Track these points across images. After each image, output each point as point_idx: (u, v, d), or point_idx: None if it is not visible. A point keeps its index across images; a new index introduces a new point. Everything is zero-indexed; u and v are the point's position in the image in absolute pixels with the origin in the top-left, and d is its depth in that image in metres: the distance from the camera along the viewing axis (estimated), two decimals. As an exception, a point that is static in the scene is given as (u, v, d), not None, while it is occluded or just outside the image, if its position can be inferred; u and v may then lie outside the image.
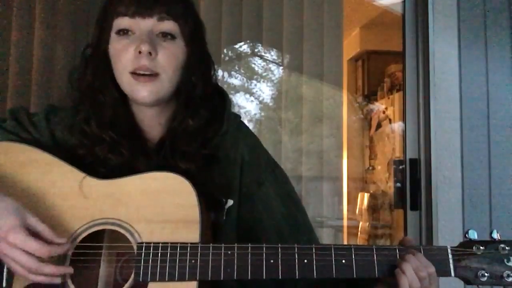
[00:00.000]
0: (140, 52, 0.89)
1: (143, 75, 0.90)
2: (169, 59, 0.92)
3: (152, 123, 1.00)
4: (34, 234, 0.82)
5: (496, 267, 0.84)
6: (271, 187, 1.03)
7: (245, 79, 2.43)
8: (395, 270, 0.83)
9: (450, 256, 0.85)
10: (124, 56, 0.91)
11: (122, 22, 0.92)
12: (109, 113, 0.96)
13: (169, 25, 0.92)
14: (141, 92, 0.91)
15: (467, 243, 0.86)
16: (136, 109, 0.99)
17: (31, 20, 1.87)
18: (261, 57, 2.39)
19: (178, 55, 0.94)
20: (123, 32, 0.92)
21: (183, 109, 0.97)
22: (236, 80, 2.39)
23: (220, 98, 1.05)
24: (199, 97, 0.98)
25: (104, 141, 0.94)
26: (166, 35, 0.92)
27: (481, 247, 0.85)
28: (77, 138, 0.97)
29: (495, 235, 0.86)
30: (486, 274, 0.83)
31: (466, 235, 0.87)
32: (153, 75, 0.91)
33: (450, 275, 0.85)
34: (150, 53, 0.89)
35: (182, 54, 0.94)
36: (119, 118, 0.97)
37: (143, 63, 0.89)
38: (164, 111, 0.99)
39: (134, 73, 0.91)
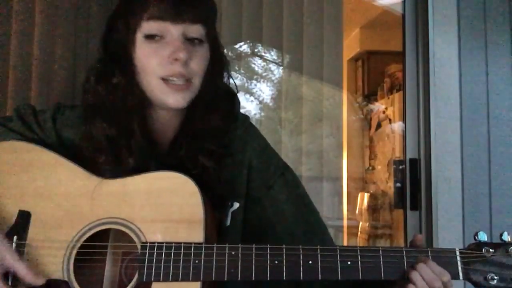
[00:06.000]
0: (176, 59, 0.88)
1: (177, 83, 0.90)
2: (200, 64, 0.92)
3: (166, 126, 0.99)
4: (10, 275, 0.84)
5: (506, 270, 0.82)
6: (280, 190, 1.03)
7: (245, 79, 2.43)
8: (407, 282, 0.82)
9: (458, 258, 0.83)
10: (154, 61, 0.89)
11: (151, 26, 0.89)
12: (125, 121, 0.93)
13: (198, 30, 0.91)
14: (174, 98, 0.90)
15: (477, 245, 0.84)
16: (150, 115, 0.98)
17: (31, 20, 1.86)
18: (261, 57, 2.39)
19: (207, 58, 0.94)
20: (152, 36, 0.90)
21: (205, 109, 0.97)
22: (236, 80, 2.38)
23: (229, 97, 1.05)
24: (219, 97, 0.99)
25: (118, 149, 0.93)
26: (195, 40, 0.91)
27: (490, 250, 0.83)
28: (86, 149, 0.95)
29: (506, 237, 0.84)
30: (495, 277, 0.82)
31: (476, 237, 0.85)
32: (187, 83, 0.90)
33: (458, 278, 0.83)
34: (186, 60, 0.88)
35: (208, 57, 0.95)
36: (133, 126, 0.95)
37: (178, 70, 0.89)
38: (178, 114, 0.99)
39: (164, 79, 0.90)
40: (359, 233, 3.59)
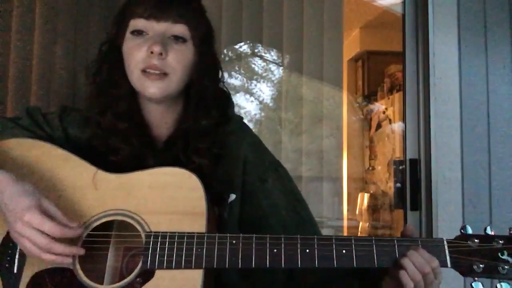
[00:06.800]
0: (152, 52, 0.95)
1: (153, 74, 0.96)
2: (178, 60, 0.97)
3: (159, 122, 1.05)
4: (48, 216, 0.85)
5: (491, 260, 0.86)
6: (274, 184, 1.07)
7: (245, 79, 2.43)
8: (399, 269, 0.85)
9: (446, 247, 0.88)
10: (137, 54, 0.97)
11: (138, 23, 0.98)
12: (123, 105, 1.01)
13: (181, 29, 0.98)
14: (150, 88, 0.97)
15: (463, 237, 0.89)
16: (144, 108, 1.05)
17: (31, 20, 1.87)
18: (261, 57, 2.39)
19: (188, 57, 0.99)
20: (138, 32, 0.98)
21: (195, 109, 1.02)
22: (236, 81, 2.39)
23: (223, 99, 1.09)
24: (210, 98, 1.03)
25: (118, 131, 1.00)
26: (178, 38, 0.98)
27: (476, 240, 0.87)
28: (91, 130, 1.02)
29: (489, 231, 0.89)
30: (481, 266, 0.85)
31: (462, 230, 0.90)
32: (162, 74, 0.96)
33: (447, 266, 0.87)
34: (161, 54, 0.95)
35: (192, 56, 1.00)
36: (131, 112, 1.02)
37: (153, 62, 0.95)
38: (170, 111, 1.05)
39: (144, 71, 0.96)
40: (359, 233, 3.59)
